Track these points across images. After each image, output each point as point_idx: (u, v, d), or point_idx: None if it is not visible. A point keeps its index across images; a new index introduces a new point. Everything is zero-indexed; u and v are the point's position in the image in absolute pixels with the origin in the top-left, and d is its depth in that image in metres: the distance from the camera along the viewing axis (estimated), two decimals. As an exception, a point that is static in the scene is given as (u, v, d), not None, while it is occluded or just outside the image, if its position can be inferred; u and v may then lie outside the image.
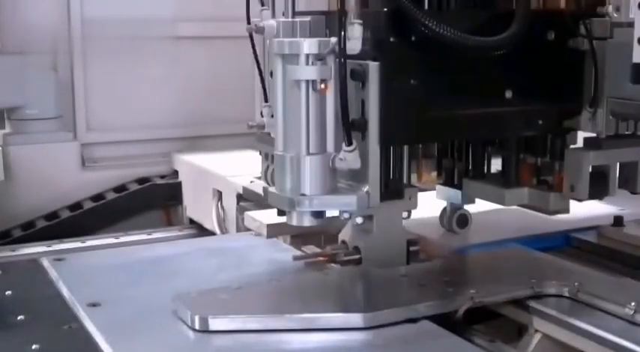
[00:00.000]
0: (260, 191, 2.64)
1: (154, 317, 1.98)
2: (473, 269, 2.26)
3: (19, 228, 3.42)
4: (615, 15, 1.88)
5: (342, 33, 1.73)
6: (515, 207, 2.76)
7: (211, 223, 3.18)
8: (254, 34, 2.07)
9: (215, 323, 1.88)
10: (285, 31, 1.90)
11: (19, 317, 2.03)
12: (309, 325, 1.87)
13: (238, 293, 2.05)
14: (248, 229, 2.66)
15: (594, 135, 2.11)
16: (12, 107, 3.55)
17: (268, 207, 2.61)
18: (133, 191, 3.65)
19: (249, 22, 2.07)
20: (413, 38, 1.87)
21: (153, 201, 3.69)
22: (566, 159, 2.12)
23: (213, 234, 3.21)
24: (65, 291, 2.19)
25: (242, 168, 3.13)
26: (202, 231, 3.30)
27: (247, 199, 2.95)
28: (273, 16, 1.93)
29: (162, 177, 3.72)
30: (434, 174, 2.33)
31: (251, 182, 2.94)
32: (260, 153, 2.25)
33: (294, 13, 1.90)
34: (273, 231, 2.54)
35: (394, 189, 2.08)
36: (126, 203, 3.60)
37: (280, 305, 2.01)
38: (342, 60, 1.74)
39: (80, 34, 3.66)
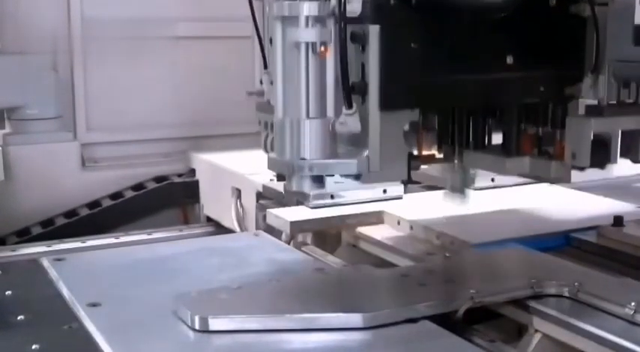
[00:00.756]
0: (280, 189, 2.69)
1: (154, 317, 1.98)
2: (473, 270, 2.26)
3: (39, 225, 3.47)
4: None
5: None
6: (515, 207, 2.78)
7: (229, 221, 3.19)
8: (253, 1, 2.07)
9: (215, 323, 1.88)
10: None
11: (19, 317, 2.02)
12: (309, 325, 1.87)
13: (238, 293, 2.05)
14: (268, 227, 2.68)
15: (596, 103, 2.08)
16: (12, 107, 3.55)
17: (288, 205, 2.72)
18: (150, 189, 3.68)
19: None
20: (414, 1, 1.86)
21: (170, 199, 3.71)
22: (567, 126, 2.09)
23: (230, 231, 3.22)
24: (65, 291, 2.19)
25: (260, 166, 3.13)
26: (220, 229, 3.31)
27: (267, 197, 2.97)
28: None
29: (180, 175, 3.74)
30: (434, 147, 2.29)
31: (270, 180, 2.95)
32: (259, 123, 2.21)
33: None
34: (296, 228, 2.55)
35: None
36: (144, 201, 3.64)
37: (280, 305, 2.01)
38: (343, 23, 1.73)
39: (80, 34, 3.66)
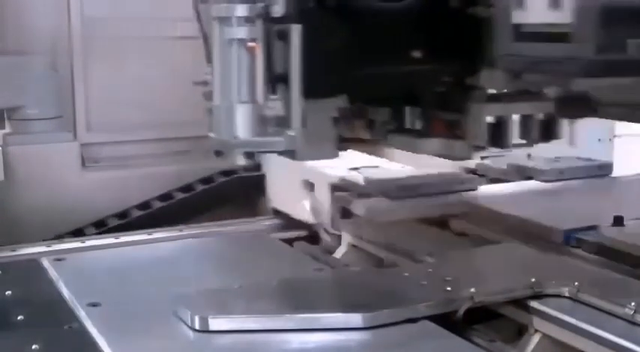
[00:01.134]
0: (358, 181, 2.97)
1: (154, 317, 1.98)
2: (473, 269, 2.26)
3: (116, 217, 3.53)
4: None
5: None
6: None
7: (299, 213, 3.23)
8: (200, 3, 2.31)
9: (215, 323, 1.88)
10: None
11: (19, 317, 2.03)
12: (309, 325, 1.87)
13: (238, 293, 2.06)
14: (343, 217, 2.89)
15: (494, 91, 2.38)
16: (12, 107, 3.55)
17: (364, 196, 2.90)
18: (219, 183, 3.73)
19: None
20: (331, 4, 2.12)
21: (237, 192, 3.74)
22: (468, 111, 2.36)
23: (300, 224, 3.25)
24: (65, 291, 2.19)
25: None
26: (289, 221, 3.33)
27: (343, 189, 3.05)
28: None
29: (246, 169, 3.76)
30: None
31: (347, 173, 3.06)
32: (207, 110, 2.36)
33: None
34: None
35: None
36: (212, 194, 3.68)
37: (280, 305, 2.01)
38: (268, 22, 2.04)
39: (80, 34, 3.66)
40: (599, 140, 4.85)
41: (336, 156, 2.33)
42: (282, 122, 2.15)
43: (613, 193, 3.15)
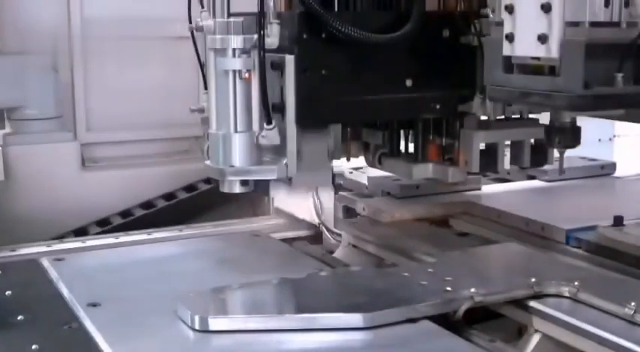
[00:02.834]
0: (362, 180, 3.04)
1: (154, 317, 1.98)
2: (473, 269, 2.26)
3: (119, 215, 3.52)
4: (492, 15, 2.16)
5: (262, 31, 2.08)
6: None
7: (303, 213, 3.26)
8: (195, 32, 2.34)
9: (215, 323, 1.88)
10: (221, 29, 2.13)
11: (19, 317, 2.03)
12: (309, 325, 1.87)
13: (238, 293, 2.06)
14: (347, 217, 2.95)
15: (486, 118, 2.46)
16: (12, 107, 3.54)
17: (368, 196, 2.98)
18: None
19: (190, 22, 2.33)
20: (323, 35, 2.18)
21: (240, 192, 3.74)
22: (461, 138, 2.46)
23: (303, 223, 3.27)
24: (65, 291, 2.19)
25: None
26: (292, 221, 3.35)
27: (347, 189, 3.11)
28: (213, 16, 2.18)
29: None
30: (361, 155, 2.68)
31: (350, 173, 3.08)
32: (204, 135, 2.44)
33: (229, 14, 2.15)
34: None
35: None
36: (215, 194, 3.66)
37: (280, 305, 2.01)
38: (262, 53, 2.09)
39: (80, 34, 3.66)
40: (599, 140, 4.86)
41: (329, 183, 2.44)
42: (278, 150, 2.21)
43: (616, 193, 3.16)
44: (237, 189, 2.22)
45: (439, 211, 2.82)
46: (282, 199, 3.46)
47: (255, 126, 2.16)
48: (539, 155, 2.54)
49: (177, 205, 3.63)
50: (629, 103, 2.02)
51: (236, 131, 2.16)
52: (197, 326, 1.88)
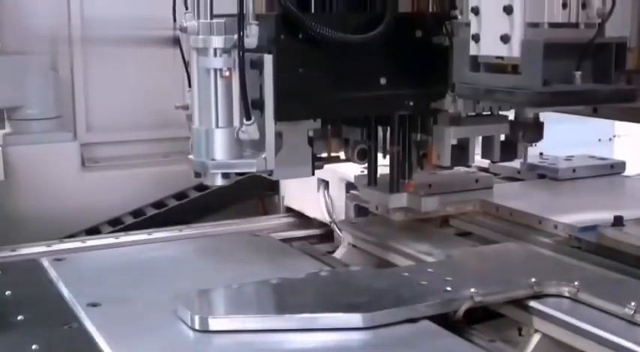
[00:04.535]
0: None
1: (154, 317, 1.98)
2: (473, 269, 2.26)
3: (130, 215, 3.53)
4: (460, 17, 2.26)
5: (242, 32, 2.17)
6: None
7: (313, 211, 3.30)
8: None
9: (215, 323, 1.88)
10: (204, 30, 2.22)
11: (19, 317, 2.03)
12: (309, 325, 1.87)
13: (238, 293, 2.06)
14: (358, 215, 2.99)
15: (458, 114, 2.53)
16: (12, 107, 3.54)
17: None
18: (234, 181, 3.72)
19: (175, 21, 2.39)
20: (300, 36, 2.26)
21: (251, 190, 3.74)
22: (434, 134, 2.55)
23: (313, 221, 3.29)
24: (65, 291, 2.19)
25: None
26: (301, 219, 3.39)
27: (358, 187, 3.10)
28: (197, 18, 2.26)
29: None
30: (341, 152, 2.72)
31: (361, 171, 3.05)
32: (189, 130, 2.48)
33: (212, 16, 2.23)
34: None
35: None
36: (226, 193, 3.67)
37: (280, 305, 2.01)
38: (241, 53, 2.17)
39: (80, 34, 3.66)
40: (599, 140, 4.86)
41: (311, 175, 2.46)
42: (258, 145, 2.30)
43: (626, 191, 3.16)
44: (219, 181, 2.30)
45: (452, 209, 2.84)
46: (293, 198, 3.47)
47: (236, 122, 2.24)
48: (509, 149, 2.64)
49: (188, 205, 3.65)
50: (587, 100, 2.16)
51: (217, 126, 2.25)
52: (197, 326, 1.88)
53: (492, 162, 2.67)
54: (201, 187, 3.72)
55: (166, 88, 3.88)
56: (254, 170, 2.29)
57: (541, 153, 3.43)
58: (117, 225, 3.50)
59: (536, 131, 2.52)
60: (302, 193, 3.38)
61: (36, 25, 3.57)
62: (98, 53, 3.72)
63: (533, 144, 2.64)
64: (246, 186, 3.77)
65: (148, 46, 3.83)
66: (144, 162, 3.76)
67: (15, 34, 3.53)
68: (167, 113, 3.88)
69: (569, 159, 3.35)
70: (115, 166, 3.70)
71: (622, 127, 4.98)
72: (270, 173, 2.33)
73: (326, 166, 3.18)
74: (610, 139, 5.01)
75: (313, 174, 2.47)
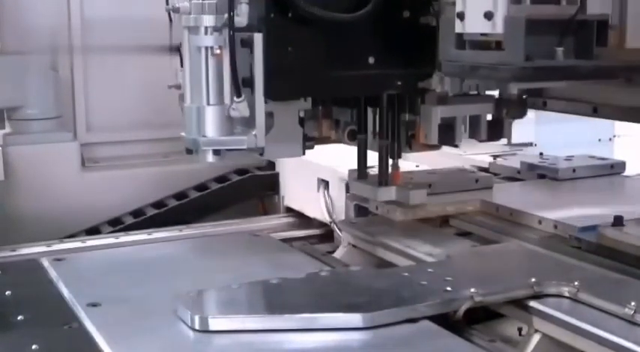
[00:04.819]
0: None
1: (154, 317, 1.98)
2: (473, 269, 2.26)
3: (130, 215, 3.54)
4: None
5: (232, 11, 2.19)
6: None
7: (313, 211, 3.30)
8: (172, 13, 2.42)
9: (215, 323, 1.88)
10: (196, 10, 2.26)
11: (19, 317, 2.03)
12: (309, 325, 1.87)
13: (238, 293, 2.06)
14: (358, 215, 2.99)
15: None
16: (12, 107, 3.55)
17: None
18: (234, 181, 3.75)
19: (167, 3, 2.43)
20: (290, 14, 2.29)
21: (250, 191, 3.76)
22: (421, 113, 2.57)
23: (313, 221, 3.30)
24: (65, 291, 2.19)
25: (342, 159, 3.19)
26: (301, 219, 3.40)
27: None
28: None
29: (260, 168, 3.78)
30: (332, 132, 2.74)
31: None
32: (182, 110, 2.52)
33: None
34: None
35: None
36: (226, 193, 3.71)
37: (280, 305, 2.01)
38: (232, 31, 2.21)
39: (80, 34, 3.66)
40: (599, 140, 4.86)
41: (302, 154, 2.49)
42: (248, 123, 2.32)
43: (626, 191, 3.16)
44: (210, 158, 2.33)
45: (452, 209, 2.83)
46: (293, 198, 3.48)
47: (227, 100, 2.28)
48: (496, 129, 2.66)
49: (188, 205, 3.65)
50: (569, 75, 2.19)
51: (209, 104, 2.29)
52: (197, 326, 1.88)
53: (479, 141, 2.69)
54: (201, 187, 3.73)
55: (166, 87, 3.89)
56: (244, 146, 2.32)
57: (541, 153, 3.43)
58: (117, 225, 3.50)
59: (519, 107, 2.54)
60: (302, 193, 3.39)
61: (36, 25, 3.57)
62: (98, 53, 3.72)
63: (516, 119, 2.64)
64: (246, 186, 3.79)
65: (148, 45, 3.83)
66: (144, 162, 3.76)
67: (15, 34, 3.53)
68: (167, 113, 3.89)
69: (569, 159, 3.35)
70: (115, 166, 3.70)
71: (622, 127, 4.97)
72: (261, 152, 2.35)
73: (326, 166, 3.20)
74: (610, 139, 5.00)
75: (304, 153, 2.50)
